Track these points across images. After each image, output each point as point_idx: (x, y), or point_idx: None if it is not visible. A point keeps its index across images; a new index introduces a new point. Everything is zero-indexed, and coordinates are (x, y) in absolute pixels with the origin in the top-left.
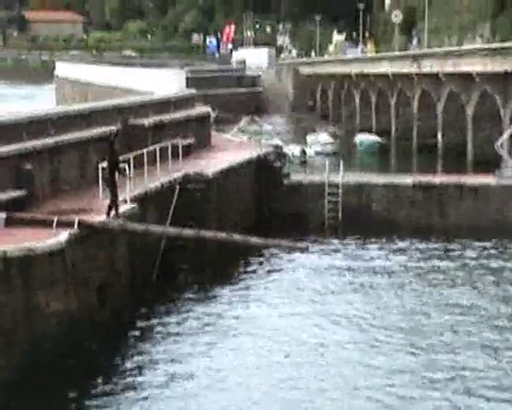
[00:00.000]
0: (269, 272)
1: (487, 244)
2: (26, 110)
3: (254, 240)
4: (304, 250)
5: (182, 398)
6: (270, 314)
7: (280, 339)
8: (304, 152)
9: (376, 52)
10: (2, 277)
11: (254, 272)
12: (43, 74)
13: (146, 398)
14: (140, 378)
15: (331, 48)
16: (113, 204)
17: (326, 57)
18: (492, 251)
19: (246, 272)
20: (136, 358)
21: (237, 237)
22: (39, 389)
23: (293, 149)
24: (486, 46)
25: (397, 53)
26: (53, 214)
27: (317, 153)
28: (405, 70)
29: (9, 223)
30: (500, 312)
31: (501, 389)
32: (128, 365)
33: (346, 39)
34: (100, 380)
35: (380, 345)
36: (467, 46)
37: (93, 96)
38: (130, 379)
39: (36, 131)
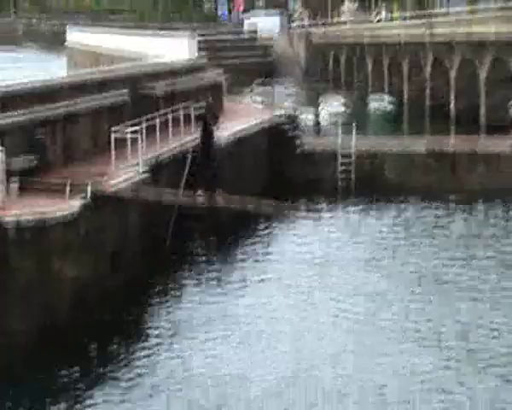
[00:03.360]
0: (281, 239)
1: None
2: (38, 78)
3: (266, 207)
4: (316, 219)
5: (201, 360)
6: (281, 281)
7: (290, 305)
8: (317, 117)
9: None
10: (16, 243)
11: (266, 239)
12: (55, 41)
13: (158, 360)
14: (153, 342)
15: (343, 16)
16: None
17: (339, 23)
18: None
19: (258, 239)
20: (149, 323)
21: (249, 203)
22: (52, 354)
23: (305, 114)
24: (500, 14)
25: (408, 19)
26: (66, 182)
27: (330, 118)
28: (418, 32)
29: (23, 190)
30: None
31: None
32: (141, 330)
33: (357, 8)
34: (112, 346)
35: (396, 307)
36: (479, 14)
37: (105, 62)
38: (143, 344)
39: (48, 99)
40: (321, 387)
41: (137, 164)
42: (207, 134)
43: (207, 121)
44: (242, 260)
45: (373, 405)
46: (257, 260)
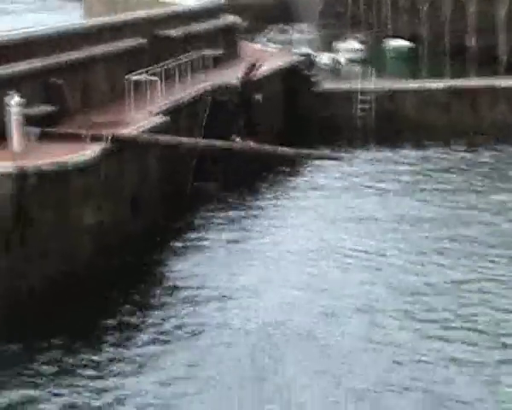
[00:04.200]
0: (301, 182)
1: None
2: (55, 24)
3: (286, 150)
4: (338, 159)
5: (220, 308)
6: (299, 226)
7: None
8: (335, 60)
9: None
10: (37, 190)
11: (286, 183)
12: None
13: (176, 309)
14: (172, 290)
15: None
16: None
17: None
18: None
19: (277, 184)
20: (169, 268)
21: (268, 147)
22: (71, 299)
23: (323, 58)
24: None
25: None
26: (84, 128)
27: (348, 60)
28: None
29: (43, 137)
30: None
31: None
32: (160, 276)
33: None
34: (133, 291)
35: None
36: None
37: (121, 8)
38: (161, 291)
39: (65, 45)
40: None
41: (156, 108)
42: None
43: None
44: (261, 208)
45: None
46: (278, 205)
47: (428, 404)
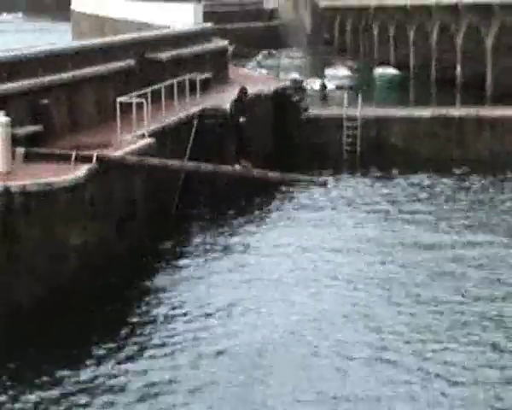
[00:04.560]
0: (286, 206)
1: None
2: (43, 45)
3: (272, 175)
4: (323, 185)
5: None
6: (286, 246)
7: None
8: (323, 86)
9: None
10: (22, 211)
11: (272, 206)
12: (59, 9)
13: (165, 325)
14: (158, 309)
15: None
16: None
17: None
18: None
19: (264, 207)
20: (155, 287)
21: (255, 171)
22: (57, 318)
23: (312, 83)
24: None
25: None
26: (71, 149)
27: (336, 87)
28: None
29: (28, 158)
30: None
31: None
32: (146, 295)
33: None
34: (117, 309)
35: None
36: None
37: (109, 30)
38: (147, 308)
39: (53, 66)
40: None
41: (143, 131)
42: (240, 106)
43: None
44: (245, 230)
45: None
46: (264, 225)
47: None
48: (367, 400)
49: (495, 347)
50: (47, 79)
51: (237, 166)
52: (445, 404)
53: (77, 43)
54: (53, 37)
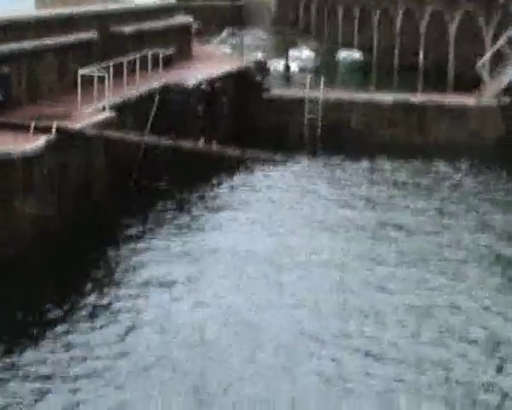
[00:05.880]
0: (244, 183)
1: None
2: (4, 12)
3: (232, 151)
4: (282, 163)
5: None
6: (241, 226)
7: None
8: (287, 67)
9: None
10: None
11: (230, 183)
12: None
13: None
14: (109, 278)
15: None
16: None
17: None
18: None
19: (222, 183)
20: (112, 260)
21: (215, 147)
22: (14, 288)
23: (275, 64)
24: None
25: None
26: (31, 119)
27: (300, 68)
28: None
29: None
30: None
31: None
32: (102, 266)
33: None
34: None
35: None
36: None
37: (73, 1)
38: (98, 278)
39: (14, 35)
40: None
41: (104, 103)
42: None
43: None
44: (203, 206)
45: None
46: (227, 204)
47: None
48: None
49: None
50: (7, 47)
51: (200, 142)
52: None
53: (39, 13)
54: (15, 5)
